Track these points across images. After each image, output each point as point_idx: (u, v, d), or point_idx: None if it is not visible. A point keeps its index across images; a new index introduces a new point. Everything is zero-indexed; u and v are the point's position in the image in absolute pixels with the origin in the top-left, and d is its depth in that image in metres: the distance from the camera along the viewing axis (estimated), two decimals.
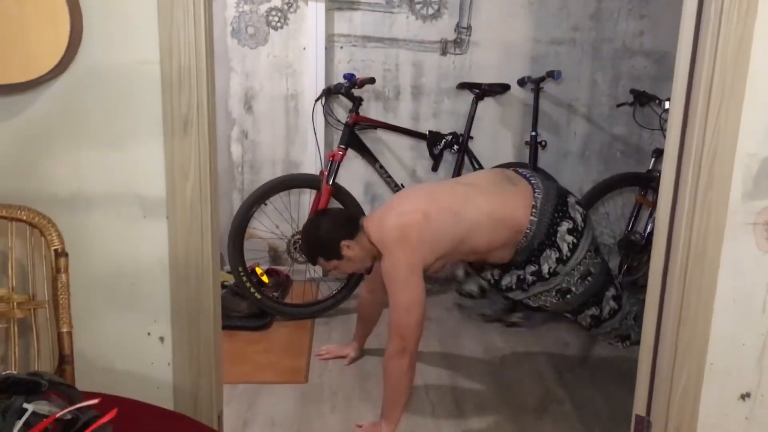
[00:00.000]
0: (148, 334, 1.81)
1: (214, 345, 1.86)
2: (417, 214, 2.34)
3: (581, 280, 2.48)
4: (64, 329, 1.50)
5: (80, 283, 1.70)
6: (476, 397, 2.66)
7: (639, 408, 1.99)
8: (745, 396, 1.87)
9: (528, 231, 2.40)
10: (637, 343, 2.51)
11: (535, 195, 2.43)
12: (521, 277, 2.49)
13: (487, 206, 2.38)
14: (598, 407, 2.61)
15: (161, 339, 1.81)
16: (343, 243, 2.41)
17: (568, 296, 2.50)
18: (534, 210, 2.40)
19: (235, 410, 2.52)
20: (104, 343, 1.79)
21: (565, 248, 2.42)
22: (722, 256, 1.78)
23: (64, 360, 1.48)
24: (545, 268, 2.44)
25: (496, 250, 2.46)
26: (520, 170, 2.61)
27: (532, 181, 2.49)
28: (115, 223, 1.75)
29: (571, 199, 2.51)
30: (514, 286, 2.53)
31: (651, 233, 3.50)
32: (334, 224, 2.45)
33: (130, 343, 1.80)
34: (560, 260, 2.43)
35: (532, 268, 2.46)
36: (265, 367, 2.86)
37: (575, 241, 2.42)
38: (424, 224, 2.32)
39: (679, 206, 1.81)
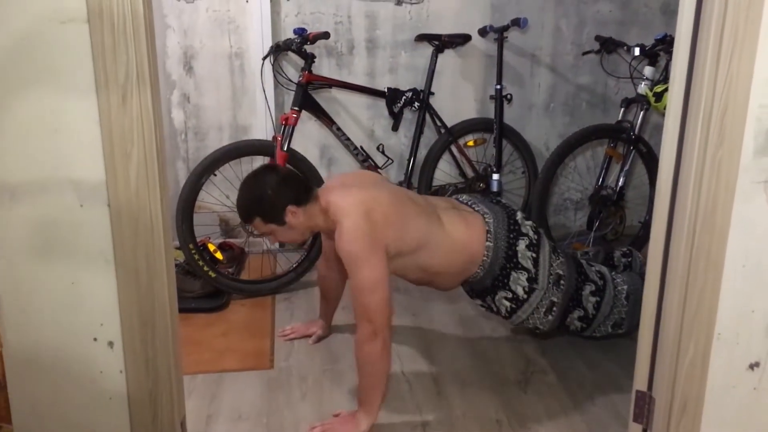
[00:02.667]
0: (95, 339, 1.57)
1: (172, 345, 1.64)
2: (384, 198, 2.19)
3: (556, 287, 2.38)
4: None
5: (9, 287, 1.45)
6: (455, 373, 2.50)
7: (640, 383, 1.85)
8: (753, 366, 1.75)
9: (485, 259, 2.32)
10: (633, 329, 2.44)
11: (486, 220, 2.35)
12: (497, 304, 2.39)
13: (449, 225, 2.29)
14: (583, 376, 2.49)
15: (110, 344, 1.58)
16: (290, 208, 2.19)
17: (554, 308, 2.39)
18: (489, 235, 2.32)
19: (196, 404, 2.31)
20: (43, 355, 1.55)
21: (530, 265, 2.33)
22: (732, 218, 1.63)
23: None
24: (519, 291, 2.34)
25: (444, 275, 2.36)
26: (460, 199, 2.51)
27: (476, 208, 2.41)
28: (46, 215, 1.50)
29: (518, 216, 2.42)
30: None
31: (622, 187, 3.38)
32: (285, 185, 2.21)
33: (75, 351, 1.57)
34: (531, 279, 2.34)
35: (505, 294, 2.36)
36: (226, 352, 2.64)
37: (534, 255, 2.35)
38: (390, 210, 2.16)
39: (685, 165, 1.64)
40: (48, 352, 1.55)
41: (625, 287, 2.50)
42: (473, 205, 2.43)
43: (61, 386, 1.58)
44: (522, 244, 2.34)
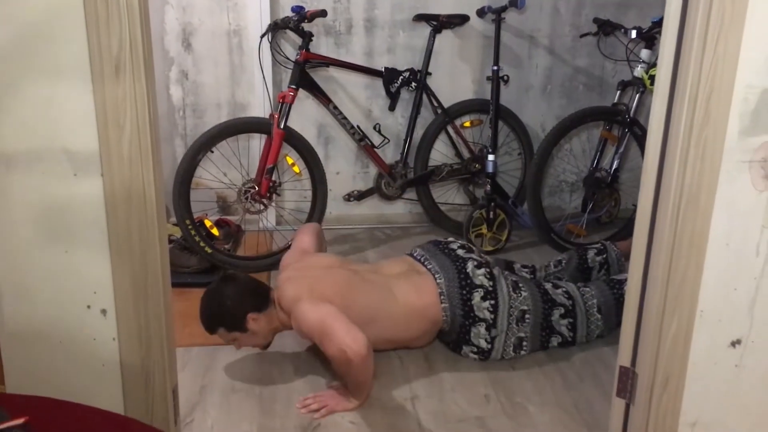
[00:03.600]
0: (88, 307, 1.60)
1: (164, 314, 1.67)
2: (327, 281, 2.33)
3: (520, 323, 2.43)
4: None
5: (4, 256, 1.48)
6: (445, 350, 2.54)
7: (624, 359, 1.88)
8: (735, 343, 1.77)
9: (445, 318, 2.41)
10: (611, 329, 2.52)
11: (438, 281, 2.41)
12: (469, 356, 2.46)
13: (401, 295, 2.37)
14: (572, 354, 2.52)
15: (103, 312, 1.61)
16: (251, 315, 2.28)
17: (524, 343, 2.45)
18: (442, 297, 2.39)
19: (191, 376, 2.35)
20: (37, 322, 1.58)
21: (487, 315, 2.39)
22: (717, 197, 1.65)
23: None
24: (483, 344, 2.41)
25: (414, 340, 2.46)
26: (414, 254, 2.57)
27: (429, 266, 2.47)
28: (41, 184, 1.52)
29: (469, 266, 2.44)
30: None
31: (616, 169, 3.40)
32: (244, 294, 2.30)
33: (68, 319, 1.60)
34: (490, 327, 2.40)
35: (471, 348, 2.43)
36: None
37: (493, 302, 2.39)
38: (330, 290, 2.28)
39: (671, 144, 1.66)
40: (42, 319, 1.58)
41: (595, 301, 2.53)
42: (425, 262, 2.50)
43: (55, 352, 1.61)
44: (477, 296, 2.39)
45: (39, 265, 1.56)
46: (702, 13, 1.53)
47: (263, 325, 2.31)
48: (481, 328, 2.39)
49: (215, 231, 3.25)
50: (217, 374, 2.37)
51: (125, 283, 1.60)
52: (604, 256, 2.80)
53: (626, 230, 3.41)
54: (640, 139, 3.43)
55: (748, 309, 1.75)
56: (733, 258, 1.71)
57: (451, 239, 2.63)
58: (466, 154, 3.61)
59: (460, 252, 2.52)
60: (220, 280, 2.37)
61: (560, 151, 3.80)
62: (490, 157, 3.46)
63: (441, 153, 3.64)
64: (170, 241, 3.13)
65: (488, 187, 3.39)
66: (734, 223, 1.68)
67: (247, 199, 3.13)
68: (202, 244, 3.03)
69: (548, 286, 2.53)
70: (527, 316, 2.43)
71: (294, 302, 2.22)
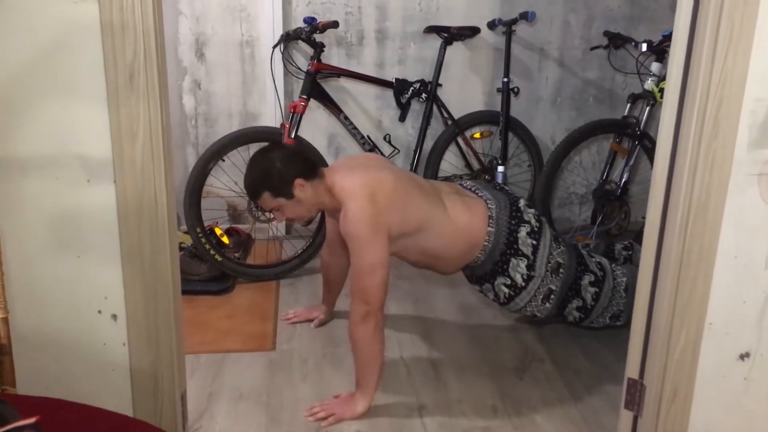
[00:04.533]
0: (99, 312, 1.62)
1: (174, 320, 1.69)
2: (388, 180, 2.22)
3: (554, 275, 2.41)
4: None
5: (16, 259, 1.50)
6: (453, 359, 2.54)
7: (632, 371, 1.88)
8: (744, 356, 1.77)
9: (486, 244, 2.35)
10: (631, 320, 2.47)
11: (489, 206, 2.38)
12: (496, 290, 2.42)
13: (452, 209, 2.32)
14: (580, 365, 2.52)
15: (114, 317, 1.63)
16: (298, 181, 2.20)
17: (552, 296, 2.43)
18: (491, 221, 2.35)
19: (199, 382, 2.36)
20: (49, 326, 1.60)
21: (528, 252, 2.36)
22: (725, 210, 1.66)
23: (1, 351, 1.29)
24: (518, 278, 2.38)
25: (445, 259, 2.39)
26: (464, 185, 2.53)
27: (480, 194, 2.44)
28: (54, 189, 1.54)
29: (521, 203, 2.44)
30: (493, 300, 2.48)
31: (626, 182, 3.40)
32: (293, 159, 2.24)
33: (79, 323, 1.61)
34: (529, 266, 2.37)
35: (504, 280, 2.39)
36: (229, 334, 2.69)
37: (535, 242, 2.37)
38: (393, 191, 2.19)
39: (680, 157, 1.67)
40: (53, 323, 1.60)
41: (624, 279, 2.52)
42: (477, 191, 2.46)
43: (66, 356, 1.63)
44: (523, 231, 2.36)
45: (51, 269, 1.58)
46: (711, 26, 1.54)
47: (309, 194, 2.22)
48: (522, 263, 2.35)
49: (225, 239, 3.26)
50: (225, 381, 2.38)
51: (136, 288, 1.62)
52: (630, 252, 2.79)
53: (637, 242, 3.40)
54: (650, 152, 3.43)
55: (756, 322, 1.75)
56: (741, 271, 1.71)
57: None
58: (476, 166, 3.62)
59: (510, 191, 2.52)
60: (270, 144, 2.31)
61: (570, 163, 3.80)
62: (500, 169, 3.46)
63: (451, 164, 3.65)
64: (180, 249, 3.14)
65: None
66: (743, 235, 1.68)
67: (257, 207, 3.14)
68: (212, 252, 3.05)
69: (584, 251, 2.54)
70: (561, 270, 2.41)
71: (350, 196, 2.14)
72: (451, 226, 2.31)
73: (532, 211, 2.44)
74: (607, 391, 2.35)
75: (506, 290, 2.40)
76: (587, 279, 2.47)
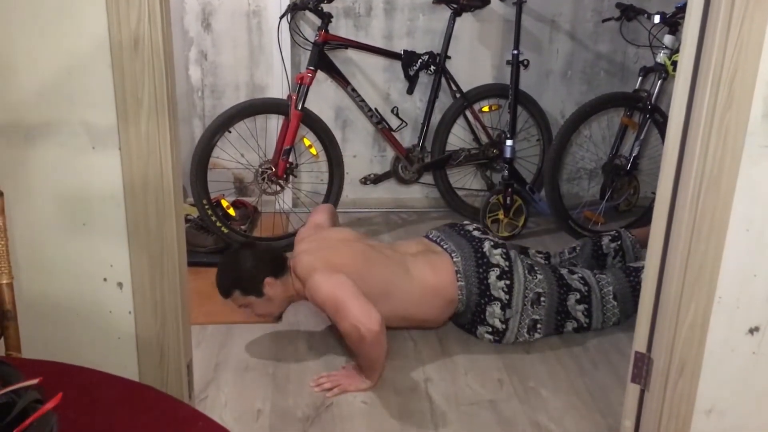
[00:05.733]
0: (105, 279, 1.62)
1: (180, 289, 1.68)
2: (343, 251, 2.34)
3: (535, 306, 2.42)
4: (4, 281, 1.29)
5: (22, 226, 1.49)
6: (459, 333, 2.53)
7: (639, 344, 1.87)
8: (753, 330, 1.75)
9: (460, 296, 2.40)
10: (627, 316, 2.50)
11: (454, 260, 2.40)
12: (482, 337, 2.46)
13: (417, 272, 2.37)
14: (586, 339, 2.51)
15: (119, 285, 1.62)
16: (268, 280, 2.29)
17: (539, 326, 2.44)
18: (459, 275, 2.38)
19: (205, 353, 2.37)
20: (54, 293, 1.59)
21: (502, 295, 2.38)
22: (738, 182, 1.63)
23: (5, 316, 1.28)
24: (497, 323, 2.40)
25: (428, 320, 2.47)
26: (430, 236, 2.57)
27: (445, 246, 2.47)
28: (59, 156, 1.53)
29: (486, 245, 2.45)
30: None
31: (636, 157, 3.37)
32: (262, 259, 2.33)
33: (85, 290, 1.61)
34: (505, 307, 2.38)
35: (486, 329, 2.42)
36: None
37: (508, 282, 2.39)
38: (349, 260, 2.29)
39: (693, 128, 1.64)
40: (59, 290, 1.60)
41: (611, 288, 2.51)
42: (441, 243, 2.49)
43: (72, 324, 1.63)
44: (493, 276, 2.39)
45: (56, 236, 1.57)
46: None
47: (279, 291, 2.31)
48: (496, 308, 2.38)
49: (232, 211, 3.26)
50: (232, 352, 2.38)
51: (141, 256, 1.61)
52: (619, 243, 2.78)
53: (645, 218, 3.37)
54: (661, 127, 3.39)
55: (766, 296, 1.73)
56: (753, 244, 1.68)
57: (466, 222, 2.63)
58: (484, 139, 3.59)
59: (476, 233, 2.52)
60: (240, 245, 2.43)
61: (579, 138, 3.76)
62: (509, 143, 3.43)
63: (459, 137, 3.62)
64: (187, 221, 3.14)
65: (506, 173, 3.38)
66: (755, 208, 1.65)
67: (263, 180, 3.13)
68: (218, 224, 3.04)
69: (564, 271, 2.52)
70: (542, 299, 2.42)
71: (309, 272, 2.22)
72: (419, 290, 2.35)
73: (498, 251, 2.44)
74: (614, 365, 2.35)
75: (490, 337, 2.44)
76: (573, 298, 2.47)
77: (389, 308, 2.25)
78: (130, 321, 1.64)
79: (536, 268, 2.46)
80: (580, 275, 2.53)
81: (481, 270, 2.39)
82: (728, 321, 1.74)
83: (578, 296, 2.47)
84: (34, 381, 0.76)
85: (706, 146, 1.60)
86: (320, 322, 2.58)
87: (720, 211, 1.65)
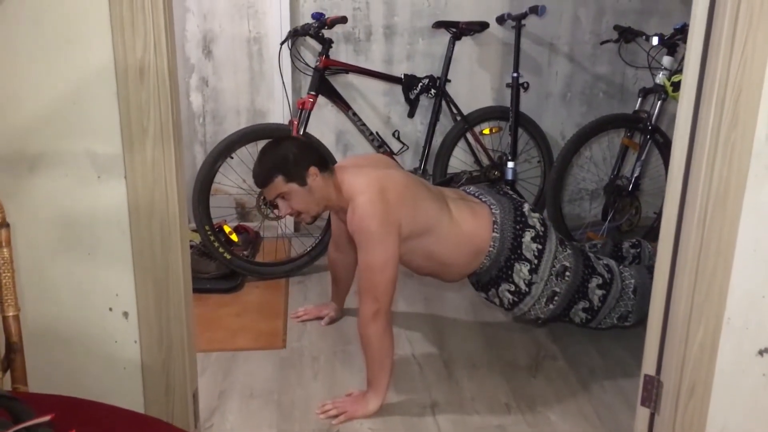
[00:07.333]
0: (110, 309, 1.61)
1: (185, 317, 1.67)
2: (398, 177, 2.22)
3: (560, 278, 2.39)
4: (10, 313, 1.28)
5: (27, 256, 1.48)
6: (466, 357, 2.51)
7: (648, 367, 1.86)
8: (763, 351, 1.74)
9: (491, 249, 2.33)
10: (639, 321, 2.43)
11: (493, 211, 2.36)
12: (500, 296, 2.41)
13: (458, 214, 2.31)
14: (593, 362, 2.49)
15: (125, 314, 1.61)
16: (312, 169, 2.17)
17: (556, 298, 2.40)
18: (495, 226, 2.33)
19: (210, 381, 2.34)
20: (60, 324, 1.58)
21: (532, 257, 2.34)
22: (744, 202, 1.63)
23: (11, 349, 1.27)
24: (521, 284, 2.36)
25: (450, 266, 2.37)
26: (468, 190, 2.51)
27: (483, 199, 2.42)
28: (64, 185, 1.53)
29: (525, 207, 2.42)
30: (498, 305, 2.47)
31: (638, 177, 3.37)
32: (308, 148, 2.24)
33: (90, 320, 1.60)
34: (532, 270, 2.35)
35: (508, 287, 2.37)
36: (239, 332, 2.67)
37: (540, 246, 2.35)
38: (404, 189, 2.19)
39: (698, 148, 1.64)
40: (64, 321, 1.58)
41: (633, 281, 2.49)
42: (480, 196, 2.44)
43: (77, 354, 1.61)
44: (528, 236, 2.35)
45: (62, 266, 1.56)
46: (730, 12, 1.51)
47: (320, 185, 2.19)
48: (524, 268, 2.33)
49: (234, 237, 3.25)
50: (236, 379, 2.36)
51: (147, 285, 1.60)
52: (638, 250, 2.77)
53: (647, 239, 3.36)
54: (662, 147, 3.41)
55: None
56: (761, 264, 1.68)
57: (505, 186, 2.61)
58: (485, 162, 3.59)
59: (515, 195, 2.51)
60: (283, 135, 2.33)
61: (580, 159, 3.77)
62: (510, 165, 3.44)
63: (460, 160, 3.62)
64: (189, 247, 3.13)
65: None
66: (762, 228, 1.65)
67: (265, 205, 3.13)
68: (221, 249, 3.03)
69: (591, 255, 2.51)
70: (567, 273, 2.39)
71: (360, 192, 2.12)
72: (457, 231, 2.29)
73: (537, 215, 2.42)
74: (622, 387, 2.32)
75: (510, 296, 2.39)
76: (595, 282, 2.45)
77: (423, 244, 2.22)
78: (136, 350, 1.63)
79: (566, 243, 2.45)
80: (605, 263, 2.52)
81: (518, 227, 2.34)
82: (738, 343, 1.73)
83: (600, 281, 2.45)
84: (46, 418, 0.75)
85: (712, 166, 1.60)
86: (325, 346, 2.56)
87: (727, 231, 1.64)
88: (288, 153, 2.18)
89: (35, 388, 1.42)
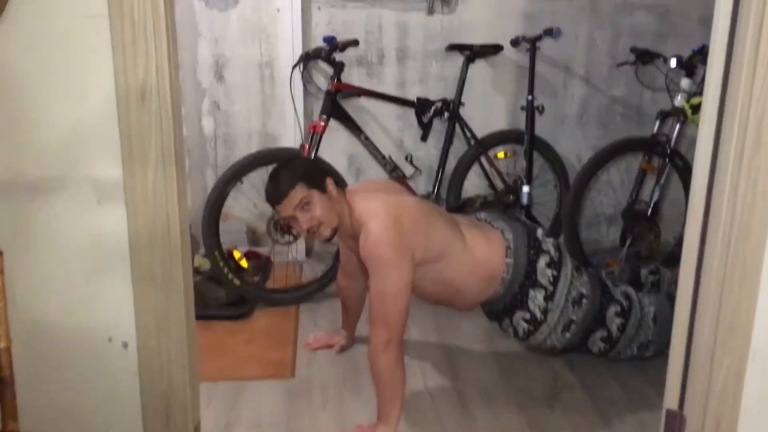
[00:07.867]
0: (109, 339, 1.56)
1: (188, 348, 1.62)
2: (412, 203, 2.20)
3: (576, 306, 2.32)
4: (1, 345, 1.23)
5: (23, 285, 1.44)
6: (480, 388, 2.44)
7: (670, 401, 1.77)
8: None
9: (504, 276, 2.27)
10: (660, 351, 2.35)
11: (506, 236, 2.31)
12: (515, 326, 2.35)
13: (471, 239, 2.26)
14: (613, 394, 2.40)
15: (124, 345, 1.56)
16: (330, 179, 2.17)
17: (573, 327, 2.34)
18: (509, 251, 2.28)
19: (216, 411, 2.28)
20: (56, 355, 1.53)
21: (547, 284, 2.28)
22: None
23: (2, 383, 1.22)
24: (537, 311, 2.30)
25: (464, 293, 2.32)
26: (479, 217, 2.47)
27: (495, 225, 2.37)
28: (63, 211, 1.49)
29: (539, 233, 2.37)
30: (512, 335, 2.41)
31: (657, 202, 3.29)
32: (321, 163, 2.30)
33: (89, 351, 1.55)
34: (547, 297, 2.29)
35: (523, 315, 2.31)
36: (248, 360, 2.62)
37: (555, 273, 2.29)
38: (418, 214, 2.16)
39: (720, 171, 1.58)
40: (61, 351, 1.54)
41: (652, 309, 2.41)
42: (492, 222, 2.40)
43: (74, 386, 1.56)
44: (542, 262, 2.29)
45: (59, 295, 1.52)
46: (752, 32, 1.46)
47: (336, 197, 2.17)
48: (540, 295, 2.27)
49: (244, 263, 3.20)
50: (243, 410, 2.30)
51: (147, 315, 1.55)
52: (657, 277, 2.69)
53: (666, 265, 3.28)
54: (681, 171, 3.33)
55: None
56: None
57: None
58: (500, 186, 3.53)
59: (528, 221, 2.47)
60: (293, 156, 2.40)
61: (597, 183, 3.69)
62: (525, 189, 3.38)
63: (474, 184, 3.56)
64: (199, 273, 3.09)
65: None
66: None
67: (276, 230, 3.08)
68: (230, 276, 2.98)
69: (608, 282, 2.44)
70: (584, 300, 2.32)
71: (373, 217, 2.07)
72: (470, 256, 2.24)
73: (551, 240, 2.36)
74: (643, 420, 2.24)
75: (525, 325, 2.32)
76: (613, 309, 2.37)
77: (435, 269, 2.17)
78: (135, 382, 1.58)
79: (582, 269, 2.38)
80: (623, 290, 2.44)
81: (531, 252, 2.28)
82: (765, 375, 1.65)
83: (618, 309, 2.37)
84: None
85: (735, 191, 1.54)
86: (335, 375, 2.50)
87: (752, 257, 1.57)
88: (305, 164, 2.25)
89: (28, 424, 1.38)
